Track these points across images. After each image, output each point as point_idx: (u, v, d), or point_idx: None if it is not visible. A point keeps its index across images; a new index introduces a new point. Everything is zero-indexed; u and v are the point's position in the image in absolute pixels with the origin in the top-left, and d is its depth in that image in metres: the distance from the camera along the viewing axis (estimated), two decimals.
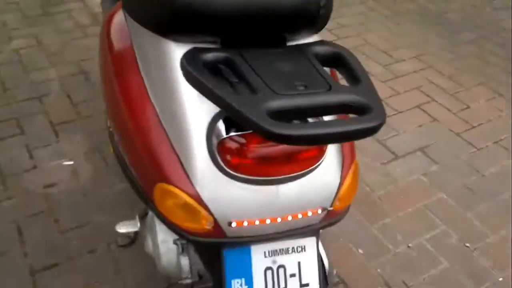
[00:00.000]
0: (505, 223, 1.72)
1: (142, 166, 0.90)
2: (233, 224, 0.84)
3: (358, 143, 1.99)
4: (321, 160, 0.85)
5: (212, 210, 0.83)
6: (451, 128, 2.17)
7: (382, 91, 2.37)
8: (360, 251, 1.59)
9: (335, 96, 0.72)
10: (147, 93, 0.91)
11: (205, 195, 0.82)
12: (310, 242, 0.95)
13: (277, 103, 0.69)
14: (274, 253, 0.94)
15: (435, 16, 3.19)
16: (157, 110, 0.88)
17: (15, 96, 2.12)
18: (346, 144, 0.94)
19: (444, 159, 1.99)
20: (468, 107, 2.31)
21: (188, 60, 0.77)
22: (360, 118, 0.69)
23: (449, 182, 1.88)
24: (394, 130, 2.13)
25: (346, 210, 0.97)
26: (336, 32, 2.85)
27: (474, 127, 2.19)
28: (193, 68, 0.75)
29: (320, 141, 0.72)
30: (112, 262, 1.49)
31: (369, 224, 1.69)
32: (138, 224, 1.20)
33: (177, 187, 0.83)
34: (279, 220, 0.86)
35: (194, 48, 0.80)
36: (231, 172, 0.81)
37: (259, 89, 0.71)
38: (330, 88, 0.74)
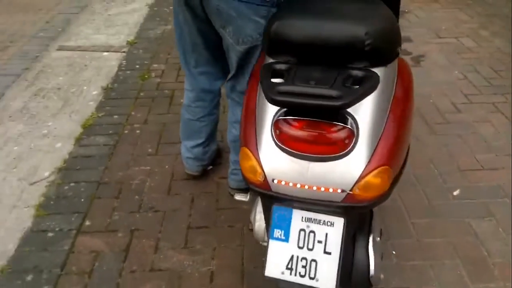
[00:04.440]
0: None
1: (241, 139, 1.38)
2: (275, 181, 1.23)
3: None
4: (346, 151, 1.17)
5: (264, 168, 1.23)
6: None
7: None
8: None
9: (321, 90, 1.08)
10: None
11: (262, 158, 1.24)
12: (338, 221, 1.25)
13: (285, 87, 1.09)
14: (309, 220, 1.27)
15: None
16: (257, 104, 1.34)
17: None
18: (380, 149, 1.21)
19: None
20: None
21: (264, 68, 1.23)
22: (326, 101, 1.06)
23: None
24: None
25: (369, 202, 1.23)
26: None
27: None
28: (264, 73, 1.21)
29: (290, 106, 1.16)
30: (240, 237, 1.98)
31: None
32: (248, 197, 1.67)
33: (250, 150, 1.27)
34: (306, 187, 1.20)
35: (272, 62, 1.27)
36: (279, 144, 1.21)
37: (288, 82, 1.13)
38: (331, 86, 1.10)
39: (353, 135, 1.18)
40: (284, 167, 1.22)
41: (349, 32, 1.21)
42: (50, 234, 2.01)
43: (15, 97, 3.15)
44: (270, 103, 1.13)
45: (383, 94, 1.26)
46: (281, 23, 1.27)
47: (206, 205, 2.15)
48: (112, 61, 3.58)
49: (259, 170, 1.24)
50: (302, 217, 1.28)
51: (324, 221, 1.26)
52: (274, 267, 1.28)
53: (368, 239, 1.37)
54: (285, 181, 1.22)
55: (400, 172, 1.38)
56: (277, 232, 1.29)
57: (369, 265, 1.34)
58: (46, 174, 2.39)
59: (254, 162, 1.25)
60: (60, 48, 3.90)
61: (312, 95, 1.10)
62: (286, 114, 1.21)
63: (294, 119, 1.19)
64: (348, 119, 1.19)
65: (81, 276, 1.81)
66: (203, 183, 2.27)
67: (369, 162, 1.20)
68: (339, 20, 1.26)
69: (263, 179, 1.25)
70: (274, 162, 1.23)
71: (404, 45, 3.61)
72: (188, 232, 2.00)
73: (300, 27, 1.25)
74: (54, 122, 2.83)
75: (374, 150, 1.21)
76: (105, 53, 3.72)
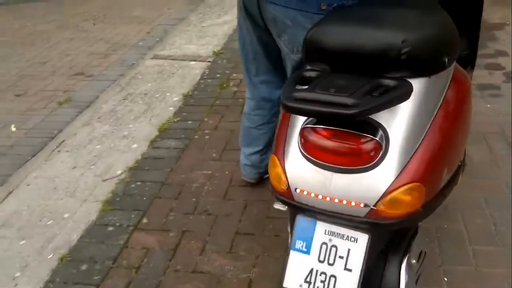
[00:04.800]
0: None
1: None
2: (297, 190, 1.17)
3: None
4: (372, 164, 1.09)
5: (288, 176, 1.19)
6: None
7: None
8: None
9: (336, 97, 1.00)
10: None
11: (287, 166, 1.19)
12: (362, 237, 1.16)
13: (300, 93, 1.03)
14: (332, 233, 1.20)
15: None
16: None
17: None
18: (413, 165, 1.11)
19: None
20: None
21: (293, 75, 1.19)
22: (338, 109, 0.96)
23: None
24: None
25: (396, 220, 1.12)
26: None
27: None
28: (289, 80, 1.17)
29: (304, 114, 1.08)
30: (284, 247, 1.90)
31: None
32: (286, 207, 1.61)
33: (277, 157, 1.23)
34: (328, 199, 1.13)
35: (303, 70, 1.22)
36: (304, 152, 1.15)
37: (307, 89, 1.07)
38: (350, 94, 1.01)
39: (380, 148, 1.09)
40: (307, 176, 1.16)
41: (384, 39, 1.14)
42: (110, 228, 2.12)
43: (107, 100, 3.41)
44: (284, 109, 1.09)
45: (422, 106, 1.16)
46: (317, 30, 1.24)
47: (257, 212, 2.13)
48: (196, 70, 3.74)
49: (283, 178, 1.20)
50: (326, 230, 1.21)
51: (348, 236, 1.18)
52: (293, 279, 1.22)
53: (402, 260, 1.25)
54: (307, 191, 1.16)
55: (442, 193, 1.25)
56: (299, 243, 1.23)
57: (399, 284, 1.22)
58: (118, 172, 2.54)
59: (279, 169, 1.21)
60: (154, 57, 4.15)
61: (326, 102, 1.03)
62: (313, 122, 1.16)
63: (320, 128, 1.13)
64: (378, 130, 1.11)
65: (129, 270, 1.89)
66: (258, 190, 2.25)
67: (397, 177, 1.10)
68: (377, 27, 1.19)
69: (286, 187, 1.20)
70: (298, 171, 1.18)
71: (498, 59, 3.31)
72: (235, 238, 1.99)
73: (334, 34, 1.21)
74: (134, 125, 3.01)
75: (406, 165, 1.11)
76: (192, 62, 3.89)
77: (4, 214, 2.29)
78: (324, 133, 1.12)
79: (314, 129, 1.13)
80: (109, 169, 2.57)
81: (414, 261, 1.29)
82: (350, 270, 1.16)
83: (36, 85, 3.76)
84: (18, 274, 1.93)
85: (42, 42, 4.68)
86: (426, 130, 1.16)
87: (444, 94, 1.25)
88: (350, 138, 1.10)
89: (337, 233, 1.19)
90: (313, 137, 1.13)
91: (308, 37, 1.23)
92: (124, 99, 3.40)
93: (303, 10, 1.57)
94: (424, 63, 1.16)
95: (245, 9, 1.76)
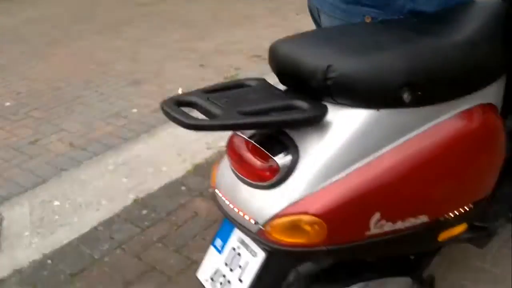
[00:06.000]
0: None
1: None
2: (217, 190, 1.21)
3: None
4: (271, 183, 1.06)
5: (216, 174, 1.24)
6: None
7: None
8: None
9: (208, 105, 1.00)
10: None
11: (220, 164, 1.24)
12: (260, 254, 1.14)
13: (183, 96, 1.07)
14: (242, 242, 1.20)
15: None
16: None
17: None
18: (318, 197, 1.03)
19: None
20: None
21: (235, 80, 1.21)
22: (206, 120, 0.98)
23: None
24: None
25: (287, 247, 1.06)
26: None
27: None
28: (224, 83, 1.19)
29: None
30: None
31: None
32: None
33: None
34: (231, 206, 1.14)
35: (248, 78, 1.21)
36: (227, 155, 1.18)
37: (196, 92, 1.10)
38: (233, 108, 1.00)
39: (277, 169, 1.05)
40: (226, 180, 1.19)
41: (313, 62, 1.07)
42: (182, 188, 2.42)
43: None
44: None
45: (356, 139, 1.05)
46: (278, 41, 1.21)
47: None
48: None
49: (214, 175, 1.25)
50: (238, 237, 1.22)
51: (251, 248, 1.17)
52: (204, 272, 1.27)
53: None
54: (222, 194, 1.19)
55: (385, 244, 1.11)
56: (218, 241, 1.27)
57: None
58: (222, 144, 2.80)
59: (216, 166, 1.26)
60: None
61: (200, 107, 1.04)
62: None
63: (241, 136, 1.14)
64: (288, 151, 1.06)
65: (171, 226, 2.15)
66: None
67: (294, 203, 1.04)
68: (322, 48, 1.13)
69: (213, 185, 1.25)
70: (222, 172, 1.21)
71: None
72: None
73: (281, 47, 1.17)
74: None
75: (309, 195, 1.04)
76: None
77: (129, 156, 2.81)
78: (241, 141, 1.12)
79: (237, 135, 1.15)
80: (218, 141, 2.85)
81: None
82: (241, 281, 1.16)
83: (218, 60, 4.31)
84: (104, 202, 2.38)
85: (248, 25, 5.25)
86: (356, 167, 1.04)
87: (411, 135, 1.09)
88: (257, 153, 1.08)
89: (245, 243, 1.18)
90: (232, 142, 1.14)
91: (270, 46, 1.21)
92: None
93: (347, 21, 1.51)
94: (361, 94, 1.04)
95: (311, 15, 1.76)
